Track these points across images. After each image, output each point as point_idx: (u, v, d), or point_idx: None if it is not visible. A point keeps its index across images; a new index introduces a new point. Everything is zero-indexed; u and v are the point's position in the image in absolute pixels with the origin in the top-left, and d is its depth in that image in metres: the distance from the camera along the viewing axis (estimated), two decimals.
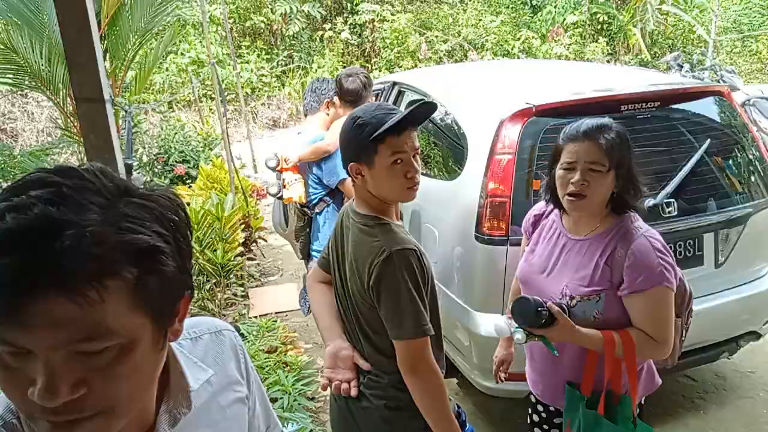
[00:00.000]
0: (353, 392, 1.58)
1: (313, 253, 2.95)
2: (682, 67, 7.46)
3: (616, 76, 3.47)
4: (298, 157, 2.83)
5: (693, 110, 2.71)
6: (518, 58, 10.15)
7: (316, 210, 2.89)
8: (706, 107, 2.77)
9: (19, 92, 7.83)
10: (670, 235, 2.48)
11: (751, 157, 2.75)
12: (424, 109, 1.54)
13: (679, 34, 11.74)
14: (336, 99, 2.97)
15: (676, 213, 2.46)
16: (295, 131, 3.52)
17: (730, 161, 2.72)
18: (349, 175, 1.58)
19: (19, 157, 4.64)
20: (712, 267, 2.60)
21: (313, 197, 2.91)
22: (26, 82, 4.71)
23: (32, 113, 8.20)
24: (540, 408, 1.91)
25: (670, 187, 2.46)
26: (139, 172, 4.88)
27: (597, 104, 2.50)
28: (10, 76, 4.76)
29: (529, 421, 1.99)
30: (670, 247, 2.50)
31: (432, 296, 1.55)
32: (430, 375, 1.48)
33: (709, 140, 2.59)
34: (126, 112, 3.34)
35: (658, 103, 2.55)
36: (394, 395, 1.55)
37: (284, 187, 2.88)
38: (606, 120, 1.70)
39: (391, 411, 1.55)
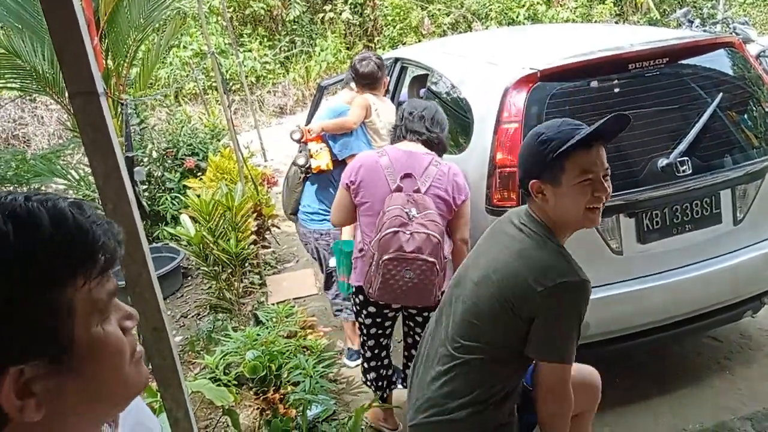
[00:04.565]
0: None
1: (300, 214, 3.09)
2: (692, 22, 7.26)
3: (623, 34, 3.38)
4: (321, 127, 2.93)
5: (703, 64, 2.63)
6: (524, 25, 9.96)
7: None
8: (717, 60, 2.69)
9: (28, 97, 7.88)
10: (686, 194, 2.43)
11: (767, 109, 2.67)
12: (616, 122, 1.46)
13: None
14: (353, 84, 3.10)
15: (690, 171, 2.40)
16: (303, 117, 3.69)
17: (745, 115, 2.64)
18: (529, 194, 1.53)
19: (31, 161, 4.68)
20: (731, 224, 2.54)
21: None
22: (33, 86, 4.73)
23: (42, 117, 8.26)
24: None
25: (683, 145, 2.39)
26: (148, 168, 4.90)
27: (603, 64, 2.44)
28: (17, 81, 4.79)
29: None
30: (687, 207, 2.47)
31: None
32: (567, 399, 1.53)
33: (721, 94, 2.52)
34: (122, 105, 3.34)
35: (667, 60, 2.47)
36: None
37: (311, 156, 2.94)
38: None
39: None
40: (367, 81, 3.02)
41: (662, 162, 2.39)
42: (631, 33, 3.44)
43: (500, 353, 1.56)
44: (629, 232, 2.40)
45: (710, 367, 2.91)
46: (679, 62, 2.55)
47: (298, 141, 2.99)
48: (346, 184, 2.34)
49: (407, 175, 2.25)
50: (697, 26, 7.12)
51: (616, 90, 2.46)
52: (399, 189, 2.22)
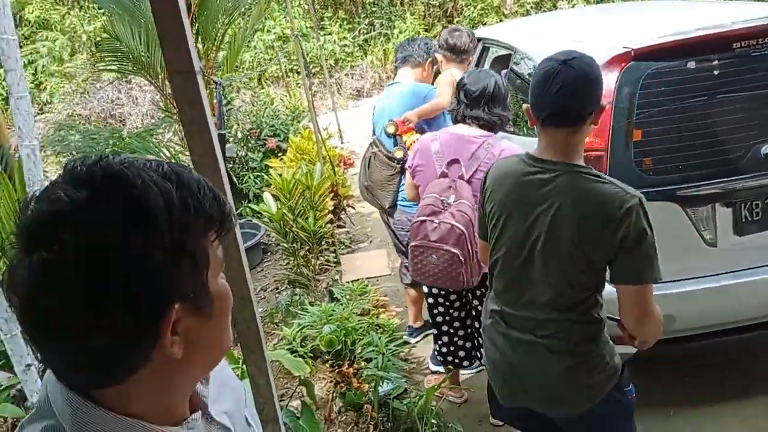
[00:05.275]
0: None
1: (399, 203, 2.93)
2: None
3: (727, 11, 3.13)
4: (418, 115, 2.83)
5: None
6: (614, 2, 9.43)
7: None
8: None
9: (124, 79, 8.40)
10: None
11: None
12: None
13: None
14: (439, 56, 2.96)
15: None
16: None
17: None
18: (579, 123, 1.53)
19: (127, 139, 5.01)
20: None
21: None
22: (129, 68, 5.04)
23: (136, 98, 8.79)
24: None
25: None
26: (234, 146, 5.12)
27: (704, 43, 2.28)
28: (116, 63, 5.13)
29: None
30: None
31: None
32: (656, 312, 1.51)
33: None
34: (216, 84, 3.50)
35: None
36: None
37: (410, 149, 2.77)
38: None
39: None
40: (457, 53, 2.89)
41: (766, 149, 2.21)
42: (736, 8, 3.18)
43: (595, 299, 1.56)
44: (725, 223, 2.25)
45: None
46: None
47: (393, 135, 2.86)
48: (408, 166, 2.46)
49: (454, 161, 2.27)
50: None
51: (717, 72, 2.29)
52: (444, 175, 2.26)
